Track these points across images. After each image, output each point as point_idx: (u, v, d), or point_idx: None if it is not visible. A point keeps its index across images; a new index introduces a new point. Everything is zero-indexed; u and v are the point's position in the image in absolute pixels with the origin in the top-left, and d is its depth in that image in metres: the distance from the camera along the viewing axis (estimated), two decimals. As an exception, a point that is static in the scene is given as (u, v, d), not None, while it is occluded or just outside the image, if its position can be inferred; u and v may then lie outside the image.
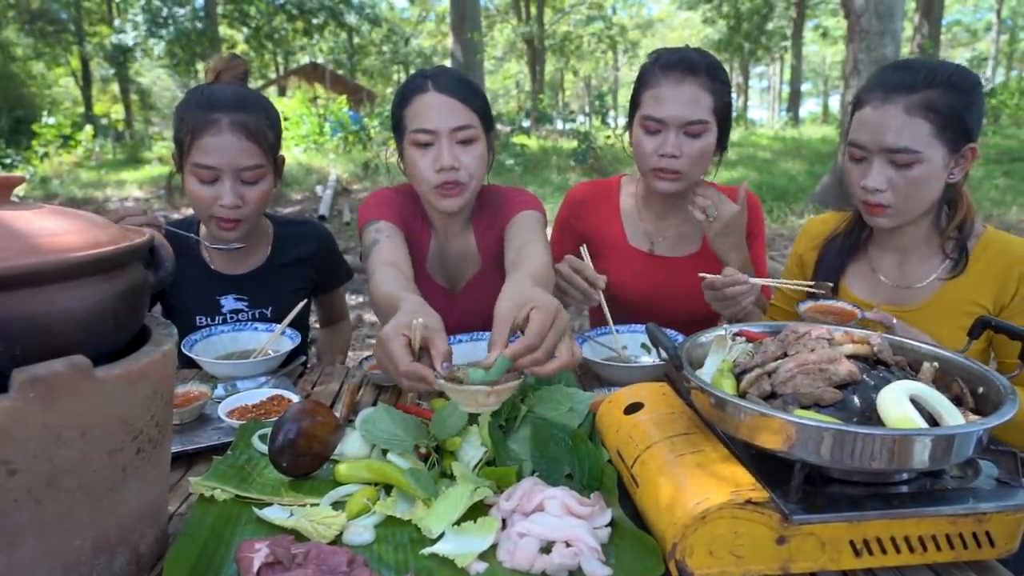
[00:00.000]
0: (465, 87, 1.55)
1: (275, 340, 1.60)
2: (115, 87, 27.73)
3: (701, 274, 1.47)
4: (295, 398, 1.28)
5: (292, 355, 1.59)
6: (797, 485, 0.80)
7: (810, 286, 1.40)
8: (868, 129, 1.34)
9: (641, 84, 1.64)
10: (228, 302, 1.72)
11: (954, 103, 1.28)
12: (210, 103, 1.53)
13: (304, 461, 1.01)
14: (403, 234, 1.56)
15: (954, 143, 1.30)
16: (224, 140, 1.51)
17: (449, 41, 14.71)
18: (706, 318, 1.70)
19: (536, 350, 0.96)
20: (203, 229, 1.73)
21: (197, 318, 1.70)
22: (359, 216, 1.63)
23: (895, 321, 1.24)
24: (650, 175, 1.64)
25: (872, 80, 1.38)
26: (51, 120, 14.49)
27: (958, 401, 0.90)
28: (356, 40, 28.18)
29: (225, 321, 1.71)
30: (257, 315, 1.73)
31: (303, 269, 1.81)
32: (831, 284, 1.42)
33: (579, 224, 1.86)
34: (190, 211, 1.75)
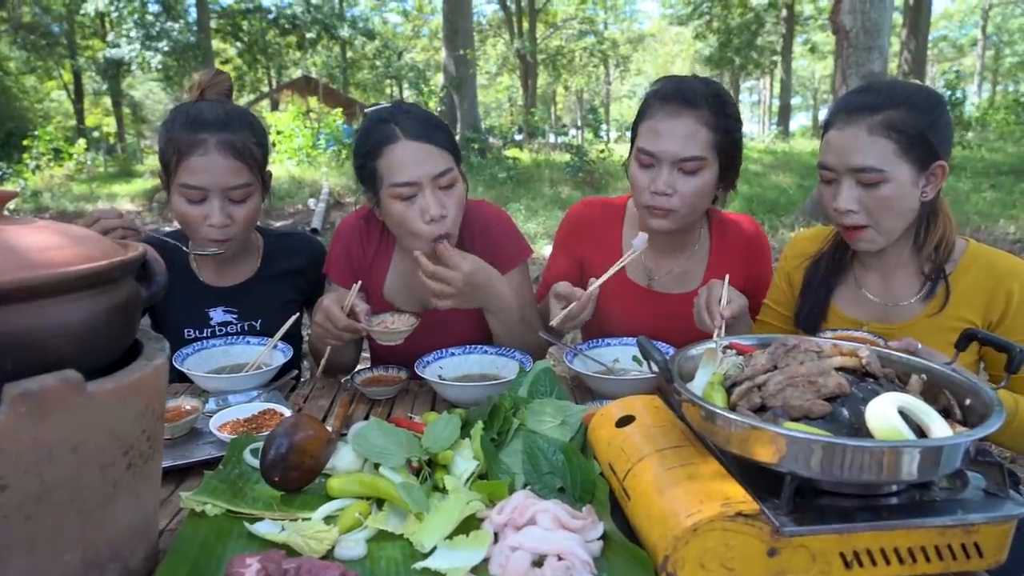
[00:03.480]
0: (432, 128, 1.53)
1: (267, 354, 1.59)
2: (107, 100, 27.70)
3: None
4: (287, 412, 1.28)
5: (284, 369, 1.59)
6: (787, 497, 0.81)
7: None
8: (834, 151, 1.35)
9: (640, 114, 1.58)
10: (217, 314, 1.72)
11: (916, 122, 1.29)
12: (196, 123, 1.53)
13: (296, 475, 1.01)
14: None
15: (921, 161, 1.31)
16: (211, 161, 1.52)
17: (442, 55, 14.79)
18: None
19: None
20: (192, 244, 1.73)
21: (186, 330, 1.69)
22: (327, 259, 1.75)
23: (920, 346, 1.20)
24: (643, 211, 1.58)
25: (837, 103, 1.40)
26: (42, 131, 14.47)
27: (946, 413, 0.90)
28: (349, 54, 28.27)
29: (214, 334, 1.70)
30: (246, 327, 1.73)
31: (294, 281, 1.80)
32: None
33: (579, 247, 1.78)
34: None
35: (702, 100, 1.49)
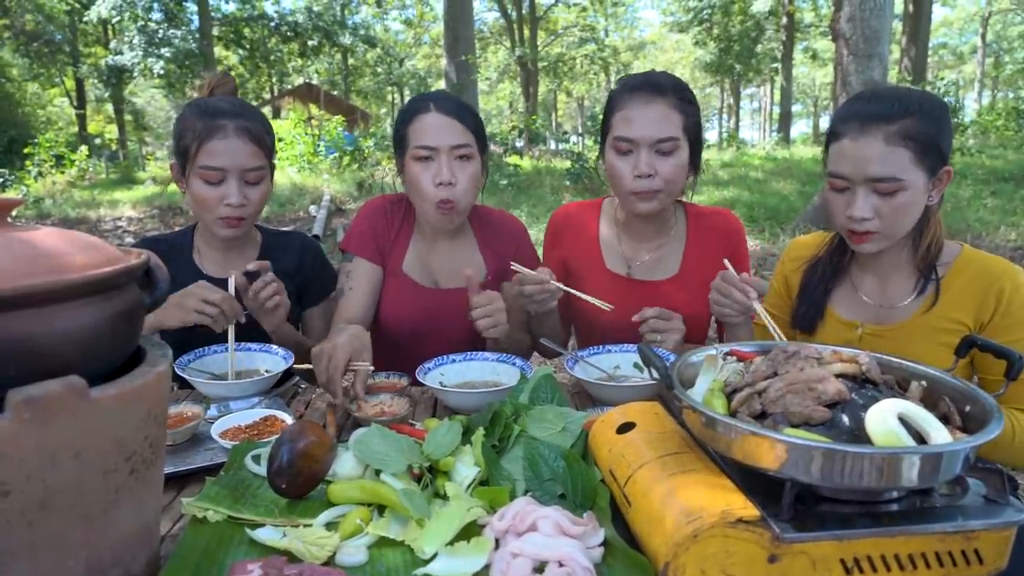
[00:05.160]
0: (463, 110, 1.69)
1: (268, 360, 1.60)
2: (109, 107, 27.80)
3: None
4: (288, 419, 1.28)
5: (285, 375, 1.59)
6: (788, 504, 0.81)
7: None
8: (849, 160, 1.35)
9: (610, 109, 1.67)
10: None
11: (928, 129, 1.31)
12: (215, 112, 1.64)
13: (301, 482, 1.01)
14: (374, 267, 1.77)
15: (933, 168, 1.34)
16: (231, 144, 1.62)
17: (443, 62, 14.84)
18: (690, 341, 1.68)
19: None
20: (197, 238, 1.82)
21: None
22: (346, 235, 1.81)
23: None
24: (628, 198, 1.65)
25: (844, 111, 1.39)
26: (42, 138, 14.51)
27: (945, 419, 0.91)
28: (351, 61, 28.37)
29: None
30: (245, 316, 1.75)
31: (290, 276, 1.85)
32: None
33: (560, 247, 1.87)
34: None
35: (669, 88, 1.61)
